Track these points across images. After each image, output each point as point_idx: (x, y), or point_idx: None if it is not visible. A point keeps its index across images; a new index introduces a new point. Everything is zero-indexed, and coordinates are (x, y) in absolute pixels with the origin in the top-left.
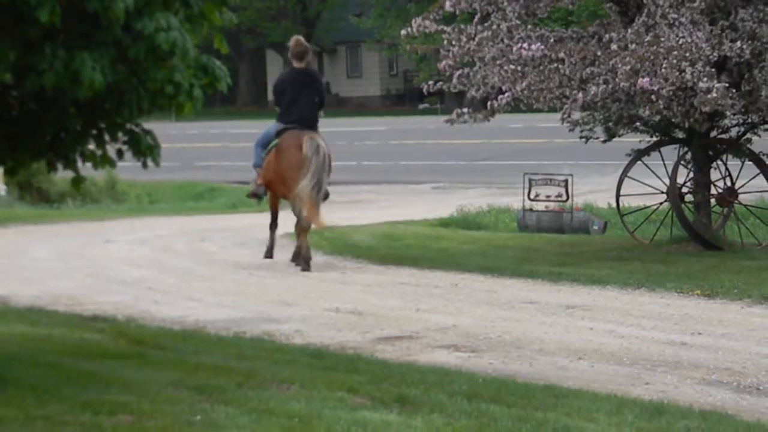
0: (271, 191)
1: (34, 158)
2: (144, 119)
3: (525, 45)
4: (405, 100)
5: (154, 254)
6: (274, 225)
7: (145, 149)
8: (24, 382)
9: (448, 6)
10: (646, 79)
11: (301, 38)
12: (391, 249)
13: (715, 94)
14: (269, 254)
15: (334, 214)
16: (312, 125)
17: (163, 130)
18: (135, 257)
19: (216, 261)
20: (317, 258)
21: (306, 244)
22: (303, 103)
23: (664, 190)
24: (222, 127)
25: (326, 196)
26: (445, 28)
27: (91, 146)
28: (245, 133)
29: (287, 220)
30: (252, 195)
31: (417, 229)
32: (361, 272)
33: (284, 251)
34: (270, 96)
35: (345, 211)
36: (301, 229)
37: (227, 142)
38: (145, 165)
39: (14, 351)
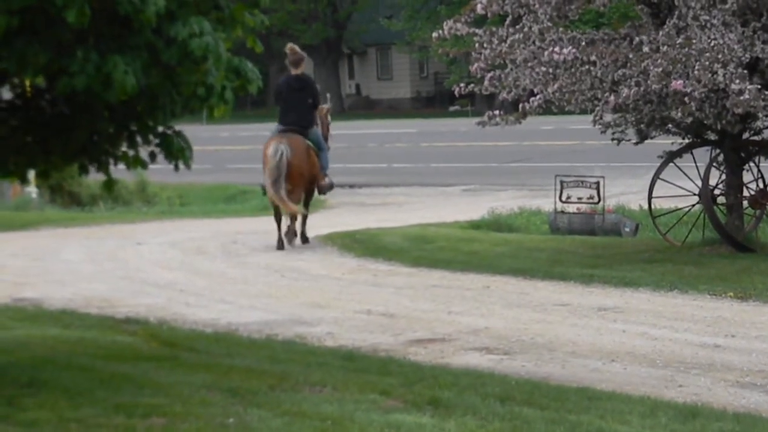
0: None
1: (67, 161)
2: (175, 122)
3: (557, 49)
4: (435, 102)
5: (186, 257)
6: (276, 218)
7: (176, 151)
8: (57, 385)
9: (479, 9)
10: (679, 81)
11: (295, 47)
12: (423, 251)
13: (747, 96)
14: (279, 245)
15: (365, 216)
16: (305, 126)
17: (194, 132)
18: (166, 260)
19: (248, 263)
20: (348, 261)
21: (292, 226)
22: (296, 107)
23: (696, 192)
24: (253, 130)
25: (330, 186)
26: (477, 30)
27: (124, 148)
28: None
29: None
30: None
31: (448, 231)
32: (393, 275)
33: (314, 252)
34: None
35: (376, 213)
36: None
37: (258, 145)
38: (176, 167)
39: (47, 354)
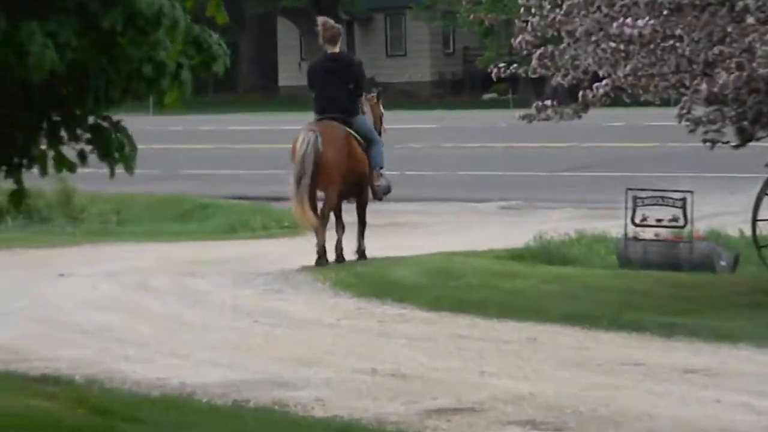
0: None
1: None
2: (114, 110)
3: (629, 20)
4: (464, 87)
5: (125, 293)
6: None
7: (114, 150)
8: None
9: None
10: None
11: (329, 20)
12: (446, 290)
13: None
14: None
15: (367, 241)
16: (346, 113)
17: (138, 125)
18: (99, 297)
19: (209, 303)
20: (345, 302)
21: (320, 238)
22: (334, 93)
23: None
24: (216, 123)
25: (388, 189)
26: None
27: (43, 146)
28: (249, 131)
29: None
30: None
31: (481, 262)
32: (405, 321)
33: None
34: (284, 80)
35: (384, 238)
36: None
37: (224, 143)
38: (113, 172)
39: None
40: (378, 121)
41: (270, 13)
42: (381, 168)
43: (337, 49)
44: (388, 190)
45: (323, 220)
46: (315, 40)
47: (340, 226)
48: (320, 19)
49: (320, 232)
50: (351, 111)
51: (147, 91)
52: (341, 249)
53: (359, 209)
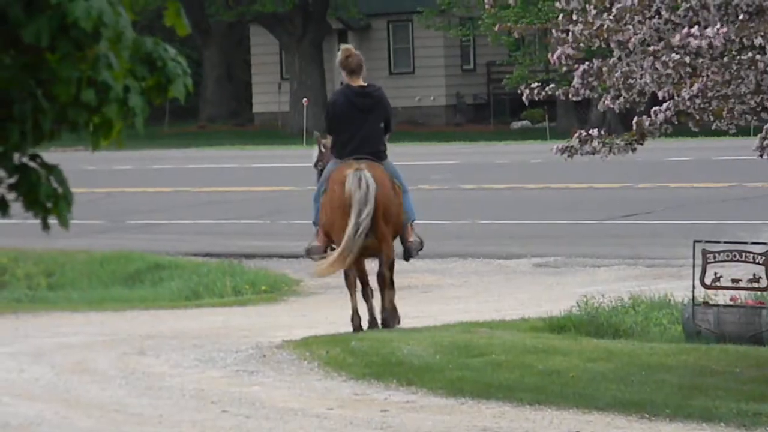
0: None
1: None
2: (44, 147)
3: (695, 29)
4: (488, 113)
5: (59, 377)
6: (363, 290)
7: (44, 197)
8: None
9: None
10: None
11: (352, 48)
12: (466, 370)
13: None
14: (364, 323)
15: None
16: (378, 158)
17: (75, 163)
18: (24, 382)
19: (165, 389)
20: (339, 386)
21: (389, 298)
22: (366, 133)
23: None
24: (176, 160)
25: (420, 246)
26: None
27: None
28: (215, 170)
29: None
30: (307, 253)
31: (510, 336)
32: (415, 410)
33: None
34: (259, 106)
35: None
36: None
37: (184, 185)
38: (45, 224)
39: None
40: None
41: (241, 21)
42: (413, 221)
43: (362, 81)
44: (420, 247)
45: (383, 281)
46: (299, 55)
47: (370, 288)
48: (343, 47)
49: (353, 294)
50: (383, 153)
51: (87, 123)
52: (375, 314)
53: (389, 269)
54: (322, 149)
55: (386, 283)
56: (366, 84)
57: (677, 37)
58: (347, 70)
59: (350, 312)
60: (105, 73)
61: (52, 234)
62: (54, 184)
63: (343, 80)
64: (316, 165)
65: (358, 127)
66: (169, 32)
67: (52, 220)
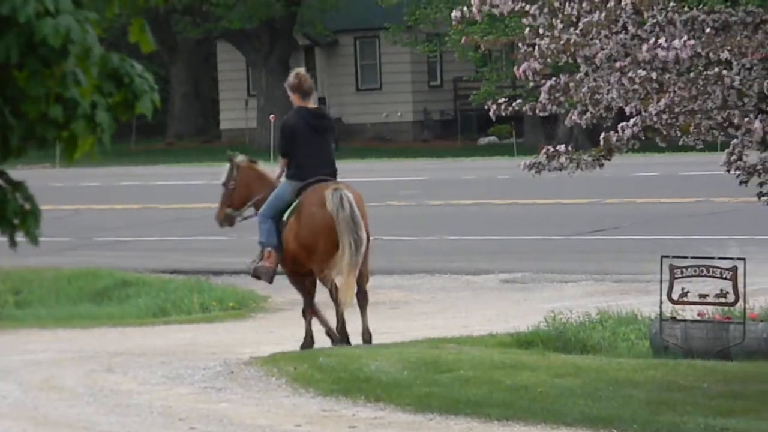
0: (297, 270)
1: None
2: (11, 164)
3: (663, 41)
4: (455, 129)
5: (26, 395)
6: (310, 310)
7: (12, 215)
8: None
9: None
10: None
11: (303, 71)
12: (434, 386)
13: None
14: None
15: (334, 324)
16: (335, 177)
17: (42, 180)
18: None
19: (132, 407)
20: (307, 402)
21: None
22: (324, 153)
23: None
24: (142, 176)
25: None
26: (528, 5)
27: None
28: (183, 187)
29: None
30: (255, 275)
31: (478, 352)
32: (383, 426)
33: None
34: (226, 122)
35: (355, 320)
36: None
37: (151, 202)
38: (12, 242)
39: None
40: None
41: (208, 37)
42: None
43: (312, 104)
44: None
45: (365, 298)
46: (266, 71)
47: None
48: (297, 71)
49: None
50: (337, 172)
51: (55, 139)
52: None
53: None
54: (235, 170)
55: (368, 300)
56: (317, 106)
57: (644, 48)
58: (300, 92)
59: (324, 330)
60: (72, 90)
61: (19, 251)
62: (20, 201)
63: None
64: (226, 184)
65: (316, 148)
66: (135, 49)
67: (20, 238)
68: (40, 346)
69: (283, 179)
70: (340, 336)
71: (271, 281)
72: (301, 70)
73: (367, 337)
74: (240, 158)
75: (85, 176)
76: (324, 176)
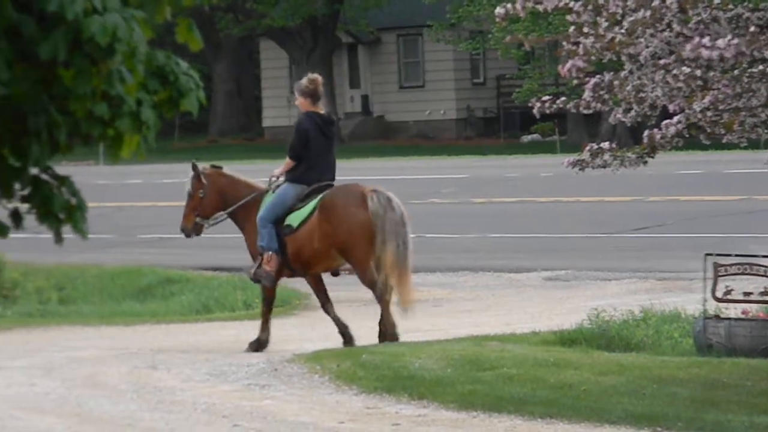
0: (294, 272)
1: None
2: (56, 159)
3: (706, 40)
4: (498, 127)
5: (70, 392)
6: (325, 306)
7: (59, 210)
8: None
9: None
10: None
11: (318, 77)
12: (477, 384)
13: None
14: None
15: (376, 322)
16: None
17: (86, 177)
18: (35, 397)
19: (176, 403)
20: (350, 400)
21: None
22: (330, 159)
23: None
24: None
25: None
26: (572, 3)
27: None
28: None
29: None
30: (255, 279)
31: (521, 349)
32: (426, 424)
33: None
34: (269, 120)
35: (398, 318)
36: (385, 303)
37: None
38: (59, 237)
39: None
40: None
41: (251, 35)
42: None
43: (321, 110)
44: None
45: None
46: (308, 68)
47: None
48: (311, 77)
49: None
50: (335, 179)
51: (101, 136)
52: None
53: None
54: (202, 178)
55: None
56: (325, 112)
57: (688, 47)
58: (313, 97)
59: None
60: (118, 87)
61: (63, 248)
62: (67, 196)
63: (297, 102)
64: (193, 193)
65: (325, 154)
66: (178, 46)
67: (67, 234)
68: (84, 342)
69: (283, 182)
70: (389, 338)
71: (271, 285)
72: (316, 75)
73: (392, 330)
74: (203, 166)
75: (128, 173)
76: (327, 182)
